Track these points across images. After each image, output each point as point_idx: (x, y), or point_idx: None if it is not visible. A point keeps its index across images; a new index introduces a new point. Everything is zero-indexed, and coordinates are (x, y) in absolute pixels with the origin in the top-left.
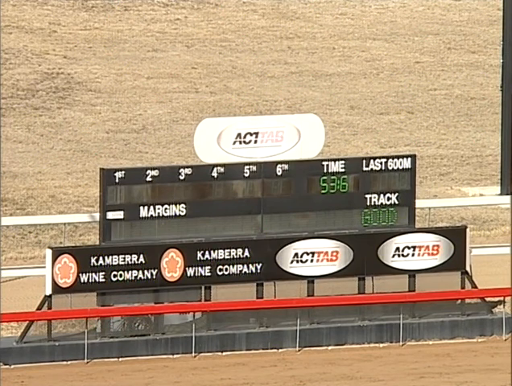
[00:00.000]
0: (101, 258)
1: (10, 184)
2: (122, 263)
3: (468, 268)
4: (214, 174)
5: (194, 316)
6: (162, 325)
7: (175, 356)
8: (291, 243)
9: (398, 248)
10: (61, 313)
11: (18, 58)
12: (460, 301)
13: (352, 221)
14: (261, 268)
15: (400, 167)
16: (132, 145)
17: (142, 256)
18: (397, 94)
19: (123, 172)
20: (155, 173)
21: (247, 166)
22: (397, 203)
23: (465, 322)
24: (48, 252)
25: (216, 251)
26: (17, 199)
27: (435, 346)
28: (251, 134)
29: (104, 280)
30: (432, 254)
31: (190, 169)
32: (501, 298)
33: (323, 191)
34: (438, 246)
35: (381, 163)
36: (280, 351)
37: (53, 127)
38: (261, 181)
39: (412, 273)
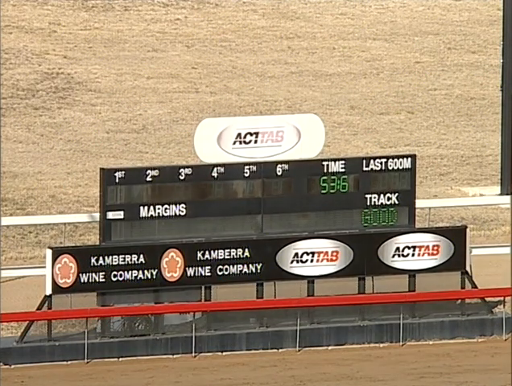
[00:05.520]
0: (101, 258)
1: (10, 184)
2: (122, 263)
3: (468, 269)
4: (214, 174)
5: (194, 316)
6: (162, 325)
7: (175, 356)
8: (291, 243)
9: (398, 248)
10: (61, 313)
11: (18, 58)
12: (460, 301)
13: (352, 221)
14: (261, 269)
15: (400, 167)
16: (132, 145)
17: (142, 256)
18: (397, 94)
19: (123, 172)
20: (155, 173)
21: (247, 166)
22: (397, 203)
23: (465, 322)
24: (48, 252)
25: (216, 251)
26: (17, 199)
27: (435, 346)
28: (251, 134)
29: (104, 280)
30: (432, 254)
31: (190, 169)
32: (501, 298)
33: (323, 191)
34: (438, 246)
35: (381, 163)
36: (280, 351)
37: (53, 127)
38: (261, 181)
39: (412, 273)
